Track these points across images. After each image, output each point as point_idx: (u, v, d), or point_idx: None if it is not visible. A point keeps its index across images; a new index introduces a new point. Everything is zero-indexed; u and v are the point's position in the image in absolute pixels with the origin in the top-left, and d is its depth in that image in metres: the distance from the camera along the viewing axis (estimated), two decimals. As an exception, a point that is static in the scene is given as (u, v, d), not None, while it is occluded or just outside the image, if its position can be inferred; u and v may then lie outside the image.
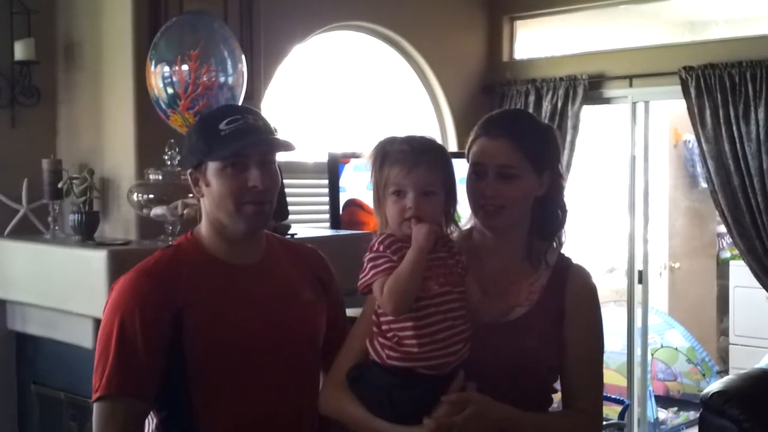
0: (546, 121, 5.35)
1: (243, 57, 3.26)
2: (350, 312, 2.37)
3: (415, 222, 1.90)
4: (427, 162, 1.94)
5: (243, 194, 2.06)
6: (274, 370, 2.12)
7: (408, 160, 1.93)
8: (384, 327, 1.93)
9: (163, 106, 3.13)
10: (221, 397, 2.09)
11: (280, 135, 2.23)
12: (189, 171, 2.14)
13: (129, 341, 2.02)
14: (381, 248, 1.92)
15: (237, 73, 3.20)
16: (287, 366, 2.14)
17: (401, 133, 2.03)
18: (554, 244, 2.13)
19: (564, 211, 2.14)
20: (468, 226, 2.16)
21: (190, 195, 3.29)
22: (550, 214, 2.12)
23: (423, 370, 1.90)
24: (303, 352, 2.19)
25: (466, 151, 2.13)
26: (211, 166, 2.07)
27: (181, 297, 2.06)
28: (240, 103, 3.28)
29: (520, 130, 2.07)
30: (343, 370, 2.05)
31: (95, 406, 2.06)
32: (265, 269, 2.18)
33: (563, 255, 2.15)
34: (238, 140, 2.04)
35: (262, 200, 2.10)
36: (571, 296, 2.09)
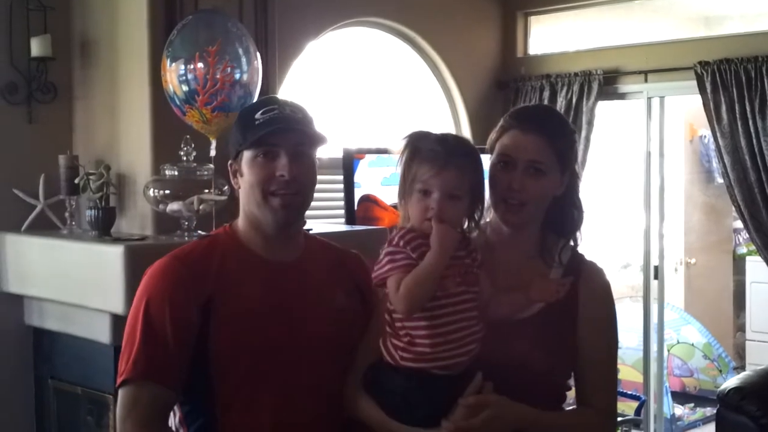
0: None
1: (258, 54, 3.28)
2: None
3: (436, 222, 1.89)
4: (456, 165, 1.92)
5: (269, 183, 2.03)
6: (299, 372, 2.06)
7: (438, 161, 1.91)
8: (397, 325, 1.93)
9: (179, 103, 3.16)
10: (245, 395, 2.03)
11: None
12: (229, 162, 2.13)
13: (157, 325, 2.00)
14: (401, 243, 1.91)
15: (252, 69, 3.23)
16: (314, 369, 2.07)
17: (436, 129, 2.01)
18: (570, 242, 2.13)
19: (580, 211, 2.14)
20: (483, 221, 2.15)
21: (206, 190, 3.31)
22: (566, 213, 2.12)
23: (437, 371, 1.90)
24: (332, 356, 2.09)
25: (491, 140, 2.11)
26: (245, 156, 2.06)
27: (211, 285, 2.03)
28: (253, 101, 3.29)
29: (553, 127, 2.08)
30: (362, 369, 2.05)
31: (120, 392, 2.02)
32: (301, 269, 2.13)
33: (576, 252, 2.14)
34: (271, 130, 2.02)
35: (290, 191, 2.05)
36: (585, 294, 2.08)
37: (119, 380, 2.02)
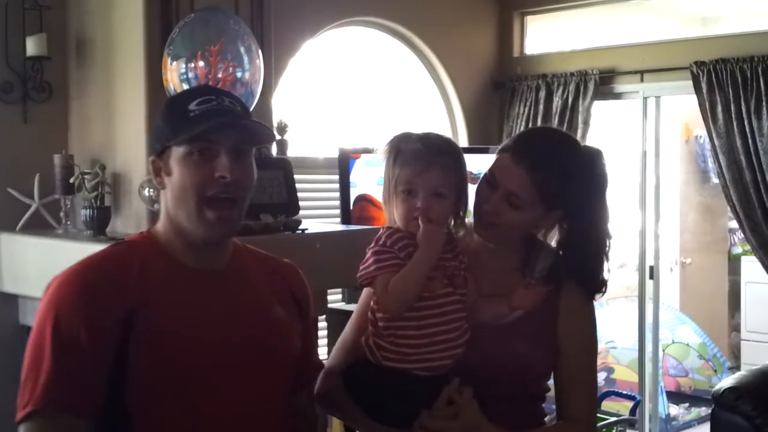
0: (557, 116, 5.36)
1: (260, 53, 3.27)
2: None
3: (422, 221, 1.88)
4: (440, 164, 1.91)
5: (207, 186, 1.75)
6: (232, 394, 1.78)
7: (421, 161, 1.90)
8: (381, 324, 1.91)
9: (181, 102, 3.15)
10: (167, 422, 1.72)
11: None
12: (152, 159, 1.83)
13: (70, 344, 1.67)
14: (388, 243, 1.91)
15: (254, 68, 3.22)
16: (249, 390, 1.80)
17: (417, 130, 2.00)
18: (552, 255, 2.09)
19: (598, 254, 2.05)
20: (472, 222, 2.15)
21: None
22: (580, 252, 2.05)
23: (419, 372, 1.89)
24: (270, 375, 1.84)
25: (498, 150, 2.08)
26: (175, 152, 1.77)
27: (132, 297, 1.72)
28: (255, 99, 3.29)
29: (546, 164, 1.98)
30: (337, 363, 2.06)
31: (22, 428, 1.74)
32: (231, 278, 1.86)
33: (561, 263, 2.08)
34: (209, 123, 1.74)
35: (230, 196, 1.78)
36: (565, 305, 2.06)
37: (23, 413, 1.71)
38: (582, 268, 2.05)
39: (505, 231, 2.03)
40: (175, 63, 3.14)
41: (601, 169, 2.05)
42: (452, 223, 2.00)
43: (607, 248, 2.05)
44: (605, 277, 2.08)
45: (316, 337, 2.17)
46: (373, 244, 1.94)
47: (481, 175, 2.07)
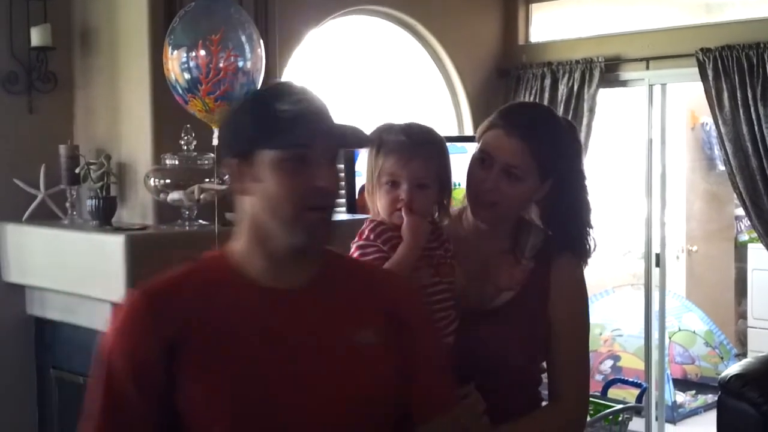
0: (562, 104, 5.35)
1: (261, 42, 3.26)
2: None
3: (406, 212, 1.88)
4: (423, 155, 1.92)
5: (307, 196, 1.57)
6: None
7: (404, 152, 1.91)
8: None
9: (181, 91, 3.14)
10: None
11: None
12: (232, 160, 1.63)
13: (117, 398, 1.55)
14: (371, 236, 1.91)
15: (255, 57, 3.21)
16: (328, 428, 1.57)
17: (400, 120, 2.00)
18: (541, 238, 2.10)
19: (582, 226, 2.09)
20: (460, 207, 2.14)
21: (207, 180, 3.30)
22: (565, 227, 2.09)
23: None
24: (351, 417, 1.58)
25: (479, 133, 2.09)
26: (266, 157, 1.57)
27: (175, 325, 1.55)
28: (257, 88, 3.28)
29: (537, 133, 2.02)
30: None
31: None
32: (311, 297, 1.63)
33: (551, 243, 2.10)
34: (305, 126, 1.58)
35: (329, 206, 1.64)
36: (556, 284, 2.07)
37: None
38: (571, 238, 2.08)
39: (505, 207, 2.03)
40: (176, 52, 3.12)
41: (578, 137, 2.16)
42: (436, 212, 2.00)
43: (590, 215, 2.11)
44: (591, 244, 2.11)
45: (441, 365, 1.77)
46: (356, 239, 1.94)
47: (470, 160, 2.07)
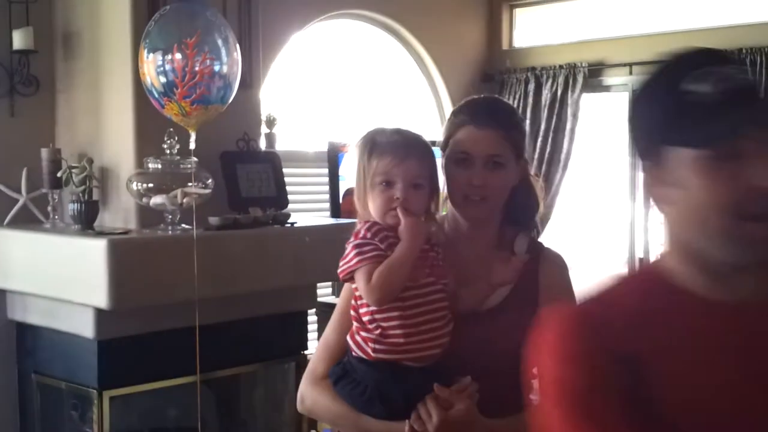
0: (546, 109, 5.39)
1: (237, 45, 3.25)
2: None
3: (402, 212, 1.89)
4: (417, 155, 1.93)
5: (746, 203, 1.23)
6: None
7: (399, 151, 1.92)
8: (366, 318, 1.91)
9: (157, 95, 3.11)
10: None
11: None
12: (646, 164, 1.33)
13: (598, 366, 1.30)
14: (368, 235, 1.91)
15: (231, 60, 3.19)
16: None
17: (390, 124, 2.02)
18: (531, 233, 2.15)
19: (534, 198, 2.16)
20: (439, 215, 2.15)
21: (190, 184, 3.29)
22: (522, 203, 2.13)
23: (410, 363, 1.89)
24: None
25: (445, 136, 2.10)
26: (683, 156, 1.26)
27: (624, 344, 1.29)
28: (233, 92, 3.27)
29: (506, 119, 2.08)
30: (321, 365, 2.05)
31: None
32: (755, 311, 1.32)
33: (536, 241, 2.15)
34: (736, 109, 1.23)
35: None
36: (545, 278, 2.08)
37: None
38: (526, 217, 2.16)
39: (496, 199, 2.05)
40: (151, 56, 3.09)
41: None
42: (423, 217, 2.00)
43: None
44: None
45: None
46: (352, 238, 1.94)
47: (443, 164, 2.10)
